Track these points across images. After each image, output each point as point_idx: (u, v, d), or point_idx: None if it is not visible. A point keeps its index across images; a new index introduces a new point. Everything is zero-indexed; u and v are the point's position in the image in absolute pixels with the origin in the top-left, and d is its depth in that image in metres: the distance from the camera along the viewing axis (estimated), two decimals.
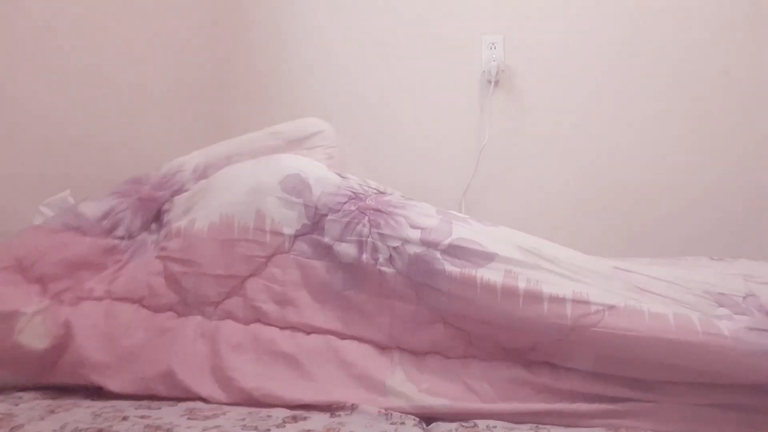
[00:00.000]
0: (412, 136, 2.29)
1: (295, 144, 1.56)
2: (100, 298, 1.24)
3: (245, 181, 1.31)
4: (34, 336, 1.15)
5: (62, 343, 1.16)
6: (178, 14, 2.16)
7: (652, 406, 1.07)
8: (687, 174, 2.14)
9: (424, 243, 1.20)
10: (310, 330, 1.22)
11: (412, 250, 1.20)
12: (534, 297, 1.11)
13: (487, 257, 1.17)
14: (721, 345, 1.02)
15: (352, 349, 1.19)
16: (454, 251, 1.19)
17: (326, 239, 1.26)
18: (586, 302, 1.10)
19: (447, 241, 1.20)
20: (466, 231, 1.23)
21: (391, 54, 2.31)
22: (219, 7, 2.36)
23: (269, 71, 2.37)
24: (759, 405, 1.05)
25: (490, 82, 2.23)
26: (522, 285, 1.12)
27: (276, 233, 1.27)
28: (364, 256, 1.22)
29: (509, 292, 1.12)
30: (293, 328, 1.22)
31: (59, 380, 1.17)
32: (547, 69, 2.22)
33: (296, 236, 1.27)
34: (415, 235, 1.22)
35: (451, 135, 2.27)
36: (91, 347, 1.16)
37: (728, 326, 1.05)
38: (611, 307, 1.09)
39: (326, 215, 1.28)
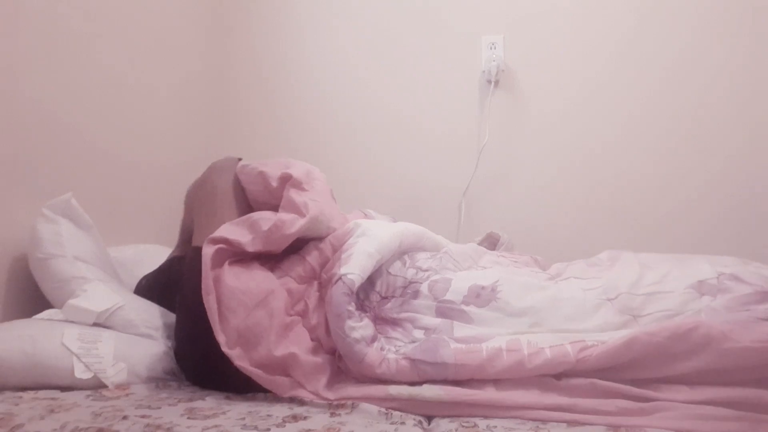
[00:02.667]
0: (412, 136, 2.29)
1: None
2: None
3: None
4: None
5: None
6: (181, 15, 2.17)
7: (651, 405, 1.09)
8: (688, 172, 2.14)
9: (429, 333, 1.28)
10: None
11: (419, 339, 1.27)
12: (537, 350, 1.18)
13: (489, 336, 1.25)
14: (698, 321, 1.15)
15: None
16: (458, 338, 1.25)
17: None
18: (582, 340, 1.20)
19: (452, 335, 1.27)
20: (467, 330, 1.28)
21: (391, 54, 2.31)
22: (222, 8, 2.37)
23: (272, 75, 2.38)
24: (758, 402, 1.06)
25: (490, 82, 2.23)
26: (525, 348, 1.19)
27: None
28: (375, 344, 1.25)
29: (514, 350, 1.19)
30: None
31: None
32: (547, 69, 2.23)
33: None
34: (419, 334, 1.29)
35: (451, 135, 2.27)
36: None
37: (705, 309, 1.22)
38: (604, 342, 1.18)
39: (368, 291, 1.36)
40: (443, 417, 1.12)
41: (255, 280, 1.29)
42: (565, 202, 2.20)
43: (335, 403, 1.15)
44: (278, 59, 2.38)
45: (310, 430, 1.02)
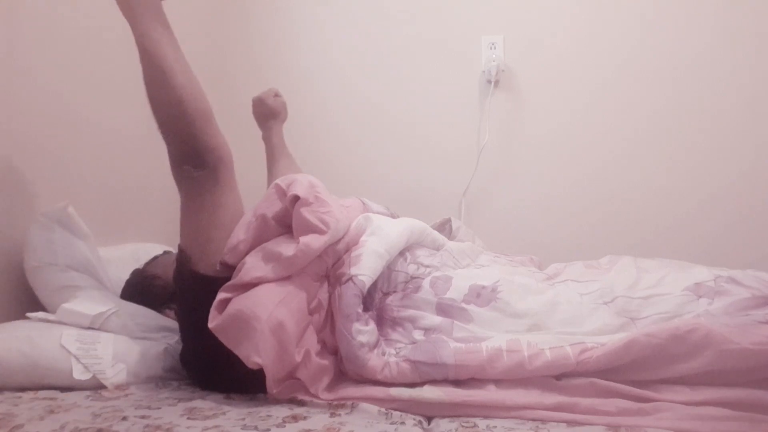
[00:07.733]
0: (412, 137, 2.29)
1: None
2: None
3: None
4: None
5: None
6: (181, 21, 2.16)
7: (650, 405, 1.09)
8: (687, 173, 2.14)
9: (429, 334, 1.29)
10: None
11: (418, 341, 1.27)
12: (537, 352, 1.19)
13: (489, 335, 1.26)
14: (698, 323, 1.15)
15: None
16: (458, 338, 1.26)
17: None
18: (582, 342, 1.20)
19: (451, 335, 1.28)
20: (467, 329, 1.29)
21: (391, 54, 2.31)
22: (220, 12, 2.37)
23: (270, 74, 2.37)
24: (757, 403, 1.07)
25: (490, 82, 2.23)
26: (525, 349, 1.19)
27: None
28: (375, 351, 1.26)
29: (514, 351, 1.19)
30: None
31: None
32: (547, 69, 2.22)
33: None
34: (419, 335, 1.29)
35: (451, 135, 2.27)
36: None
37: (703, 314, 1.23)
38: (603, 344, 1.19)
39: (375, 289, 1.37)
40: (443, 417, 1.12)
41: (266, 289, 1.24)
42: (565, 202, 2.19)
43: (335, 403, 1.15)
44: (278, 60, 2.37)
45: (310, 430, 1.03)
